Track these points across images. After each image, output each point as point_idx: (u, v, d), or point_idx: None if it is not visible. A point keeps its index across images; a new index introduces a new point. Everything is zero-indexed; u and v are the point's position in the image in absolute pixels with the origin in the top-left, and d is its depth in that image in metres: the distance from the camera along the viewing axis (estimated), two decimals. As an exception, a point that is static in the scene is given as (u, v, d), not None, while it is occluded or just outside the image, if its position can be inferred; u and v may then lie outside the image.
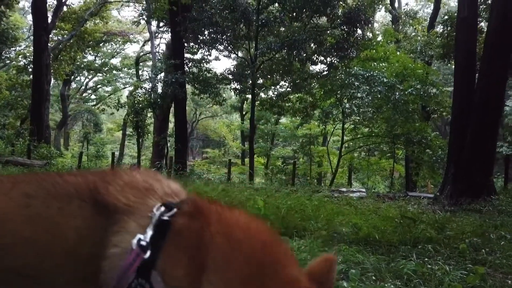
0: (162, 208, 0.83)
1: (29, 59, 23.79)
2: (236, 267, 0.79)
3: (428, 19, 22.25)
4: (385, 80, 14.28)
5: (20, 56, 26.69)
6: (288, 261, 0.86)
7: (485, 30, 11.78)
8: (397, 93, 14.25)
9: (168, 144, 19.23)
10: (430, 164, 15.50)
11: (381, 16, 31.93)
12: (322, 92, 16.73)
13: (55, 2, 22.75)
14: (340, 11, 16.95)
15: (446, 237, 4.83)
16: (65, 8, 24.34)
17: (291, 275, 0.82)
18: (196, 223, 0.83)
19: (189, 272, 0.78)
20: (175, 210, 0.84)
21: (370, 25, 18.95)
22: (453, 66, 13.11)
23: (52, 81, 25.18)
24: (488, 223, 5.92)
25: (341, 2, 16.90)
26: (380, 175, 20.97)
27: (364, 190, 11.49)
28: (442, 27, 16.29)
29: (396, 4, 25.53)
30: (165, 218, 0.82)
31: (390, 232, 4.99)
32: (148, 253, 0.77)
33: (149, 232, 0.79)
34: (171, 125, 23.87)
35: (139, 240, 0.78)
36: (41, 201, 0.83)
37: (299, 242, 4.54)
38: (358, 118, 16.13)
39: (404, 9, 25.48)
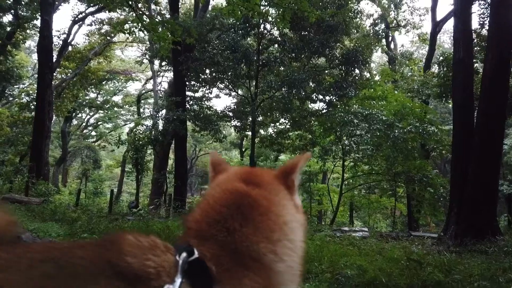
0: (184, 254, 0.80)
1: (32, 96, 24.14)
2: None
3: (424, 60, 22.88)
4: (383, 118, 14.44)
5: (23, 94, 27.09)
6: None
7: (480, 71, 12.08)
8: (396, 131, 14.36)
9: (167, 181, 19.12)
10: (431, 202, 15.37)
11: (378, 57, 32.85)
12: (321, 130, 16.87)
13: (61, 42, 23.42)
14: (338, 52, 17.44)
15: (454, 280, 4.70)
16: (70, 48, 25.02)
17: None
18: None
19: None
20: (194, 249, 0.81)
21: (367, 65, 19.44)
22: (451, 105, 13.31)
23: (54, 118, 25.44)
24: (495, 265, 5.77)
25: (339, 44, 17.42)
26: (381, 213, 20.73)
27: (366, 229, 11.30)
28: (438, 67, 16.68)
29: (392, 46, 26.33)
30: (193, 258, 0.79)
31: (397, 275, 4.86)
32: None
33: (178, 280, 0.76)
34: (170, 162, 23.84)
35: None
36: (64, 283, 0.76)
37: (303, 286, 4.40)
38: (358, 155, 16.16)
39: (400, 50, 26.25)
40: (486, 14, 13.89)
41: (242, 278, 0.80)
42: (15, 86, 26.87)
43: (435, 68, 18.81)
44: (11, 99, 29.03)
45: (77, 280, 0.76)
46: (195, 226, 0.90)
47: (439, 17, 21.38)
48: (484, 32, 13.75)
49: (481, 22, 14.79)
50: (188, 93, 19.31)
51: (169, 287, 0.74)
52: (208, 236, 0.86)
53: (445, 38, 35.34)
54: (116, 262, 0.78)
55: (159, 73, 26.33)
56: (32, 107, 22.82)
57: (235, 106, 20.33)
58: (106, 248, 0.83)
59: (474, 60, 13.31)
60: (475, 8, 14.73)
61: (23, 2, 20.48)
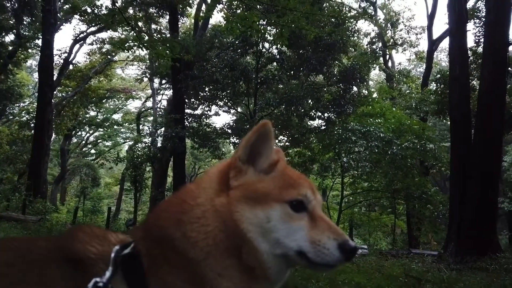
0: (116, 247, 0.86)
1: (32, 115, 24.22)
2: None
3: (421, 77, 23.07)
4: (382, 135, 14.46)
5: (23, 112, 27.20)
6: None
7: (477, 88, 12.17)
8: (394, 148, 14.35)
9: (166, 198, 19.00)
10: (432, 219, 15.23)
11: (376, 75, 33.14)
12: (320, 147, 16.87)
13: (62, 61, 23.67)
14: (336, 69, 17.60)
15: (454, 298, 4.62)
16: (71, 67, 25.26)
17: None
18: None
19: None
20: (132, 245, 0.88)
21: (365, 83, 19.56)
22: (449, 122, 13.35)
23: (53, 136, 25.46)
24: (496, 283, 5.68)
25: (336, 62, 17.59)
26: (381, 230, 20.52)
27: (366, 247, 11.18)
28: (435, 84, 16.81)
29: (390, 64, 26.61)
30: (127, 251, 0.85)
31: (395, 293, 4.78)
32: None
33: (107, 273, 0.81)
34: (169, 179, 23.75)
35: (95, 282, 0.79)
36: (19, 268, 0.83)
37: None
38: (357, 172, 16.10)
39: (397, 68, 26.51)
40: (481, 32, 14.09)
41: (166, 274, 0.84)
42: (15, 105, 27.02)
43: (432, 86, 18.95)
44: (11, 117, 29.12)
45: (33, 266, 0.83)
46: (149, 219, 0.98)
47: (435, 35, 21.71)
48: (480, 49, 13.92)
49: (477, 40, 14.99)
50: (187, 110, 19.39)
51: (96, 280, 0.78)
52: (149, 230, 0.92)
53: (442, 56, 35.69)
54: (67, 248, 0.85)
55: (158, 91, 26.53)
56: (32, 125, 22.89)
57: (234, 123, 20.38)
58: (64, 237, 0.91)
59: (471, 77, 13.44)
60: (470, 27, 14.97)
61: (25, 22, 20.78)
